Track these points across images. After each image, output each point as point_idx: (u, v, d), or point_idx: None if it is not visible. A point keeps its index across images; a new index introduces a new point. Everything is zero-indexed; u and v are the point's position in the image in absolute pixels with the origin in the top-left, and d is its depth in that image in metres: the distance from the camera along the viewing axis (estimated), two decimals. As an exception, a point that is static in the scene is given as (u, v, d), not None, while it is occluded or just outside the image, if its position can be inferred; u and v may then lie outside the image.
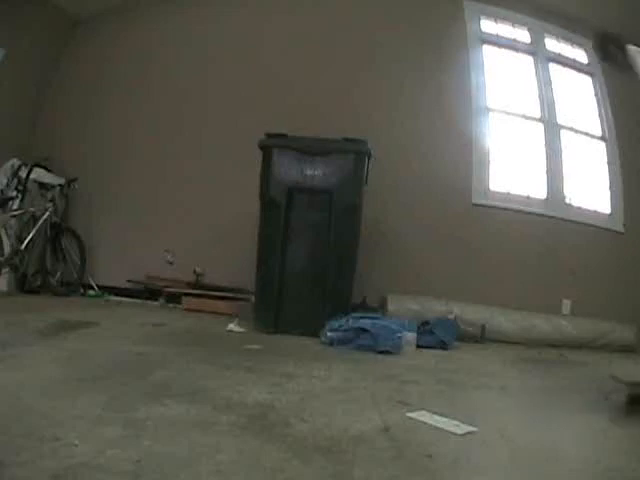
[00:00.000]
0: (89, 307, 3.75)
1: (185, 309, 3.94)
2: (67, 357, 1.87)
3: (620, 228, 4.36)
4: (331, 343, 2.79)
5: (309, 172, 3.20)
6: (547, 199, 4.39)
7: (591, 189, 4.51)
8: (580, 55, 4.71)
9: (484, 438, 1.35)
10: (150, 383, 1.60)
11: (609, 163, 4.51)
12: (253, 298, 3.39)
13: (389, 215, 4.08)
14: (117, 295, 4.29)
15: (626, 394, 1.87)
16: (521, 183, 4.41)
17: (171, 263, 4.28)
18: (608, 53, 2.18)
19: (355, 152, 3.23)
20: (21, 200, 3.99)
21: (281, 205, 3.19)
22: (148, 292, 4.24)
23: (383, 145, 3.65)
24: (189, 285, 4.17)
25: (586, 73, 4.68)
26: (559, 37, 4.68)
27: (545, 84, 4.57)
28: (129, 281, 4.30)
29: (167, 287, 4.16)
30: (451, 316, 3.52)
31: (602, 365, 3.13)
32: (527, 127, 4.54)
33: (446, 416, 1.46)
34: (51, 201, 4.16)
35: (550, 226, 4.25)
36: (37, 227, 4.02)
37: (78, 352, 1.98)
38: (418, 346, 2.96)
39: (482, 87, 4.44)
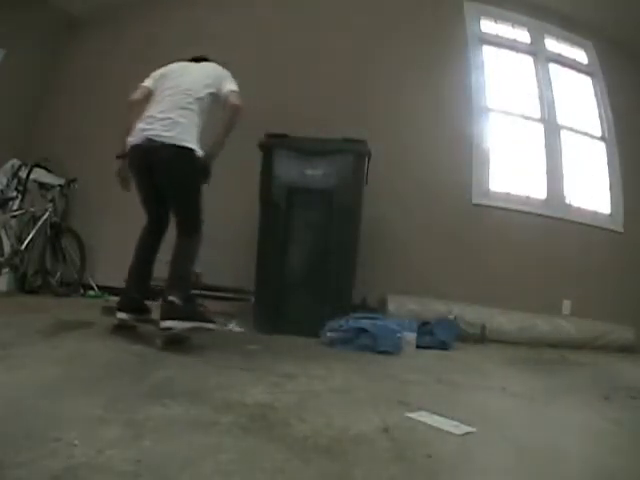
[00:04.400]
0: (89, 307, 3.74)
1: (185, 309, 3.93)
2: (67, 357, 1.86)
3: (620, 228, 4.36)
4: (331, 343, 2.79)
5: (309, 172, 3.20)
6: (547, 199, 4.39)
7: (591, 189, 4.51)
8: (580, 55, 4.71)
9: (484, 438, 1.35)
10: (150, 383, 1.60)
11: (609, 163, 4.51)
12: (253, 298, 3.38)
13: (389, 215, 4.08)
14: (117, 295, 4.28)
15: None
16: (521, 183, 4.41)
17: (171, 263, 4.27)
18: None
19: (355, 152, 3.23)
20: (21, 200, 3.98)
21: (281, 205, 3.19)
22: (148, 292, 4.23)
23: (383, 145, 3.65)
24: (189, 285, 4.16)
25: (586, 73, 4.69)
26: (559, 37, 4.68)
27: (545, 84, 4.57)
28: (129, 281, 4.30)
29: (167, 287, 4.15)
30: (451, 316, 3.51)
31: (602, 365, 3.13)
32: (527, 127, 4.54)
33: (446, 416, 1.46)
34: (51, 201, 4.15)
35: (550, 226, 4.25)
36: (37, 227, 4.02)
37: (78, 352, 1.98)
38: (418, 346, 2.95)
39: (482, 87, 4.44)
